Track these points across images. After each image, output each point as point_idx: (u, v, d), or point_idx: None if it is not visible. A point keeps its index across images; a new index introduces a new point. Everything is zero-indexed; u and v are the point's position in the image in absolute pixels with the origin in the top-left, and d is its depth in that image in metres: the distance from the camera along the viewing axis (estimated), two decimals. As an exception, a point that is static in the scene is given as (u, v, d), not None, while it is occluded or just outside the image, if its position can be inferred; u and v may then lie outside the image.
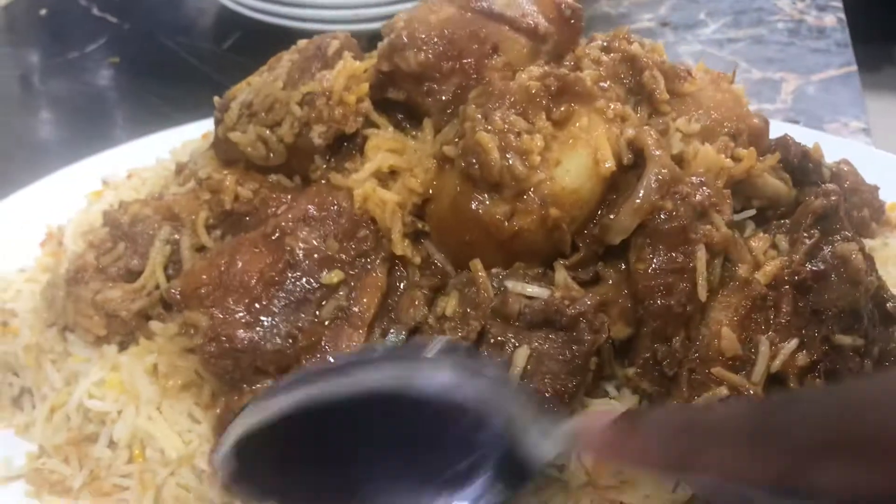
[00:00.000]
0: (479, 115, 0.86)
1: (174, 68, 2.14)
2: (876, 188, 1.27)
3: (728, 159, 0.96)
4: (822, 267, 0.93)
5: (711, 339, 0.87)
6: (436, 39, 0.96)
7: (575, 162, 0.86)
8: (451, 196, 0.87)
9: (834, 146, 1.34)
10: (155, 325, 0.93)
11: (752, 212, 1.02)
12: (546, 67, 0.91)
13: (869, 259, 0.98)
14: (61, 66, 2.23)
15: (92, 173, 1.34)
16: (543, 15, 1.04)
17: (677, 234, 0.86)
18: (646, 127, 0.91)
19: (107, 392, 0.91)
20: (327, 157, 0.98)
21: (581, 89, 0.88)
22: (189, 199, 0.99)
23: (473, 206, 0.85)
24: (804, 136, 1.26)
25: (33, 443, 0.96)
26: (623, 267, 0.89)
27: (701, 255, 0.86)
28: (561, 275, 0.85)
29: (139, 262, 0.95)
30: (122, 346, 0.95)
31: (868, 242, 1.17)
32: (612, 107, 0.91)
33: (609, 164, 0.86)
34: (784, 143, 1.09)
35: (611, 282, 0.89)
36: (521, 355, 0.79)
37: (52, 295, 0.98)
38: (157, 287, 0.94)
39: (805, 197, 1.06)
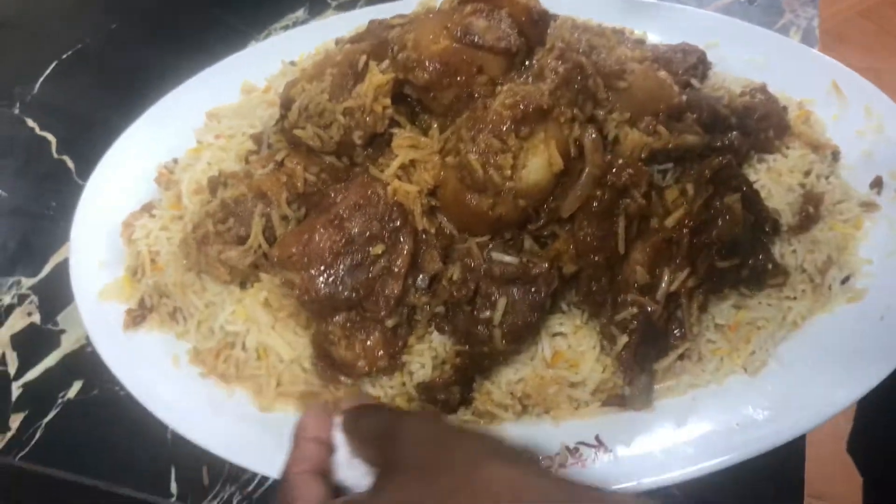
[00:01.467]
0: (469, 138, 1.26)
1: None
2: (785, 109, 1.63)
3: (650, 137, 1.36)
4: (712, 213, 1.36)
5: (629, 274, 1.32)
6: (437, 64, 1.33)
7: (535, 165, 1.27)
8: (453, 191, 1.29)
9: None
10: (263, 276, 1.40)
11: (670, 165, 1.42)
12: (517, 93, 1.28)
13: (750, 199, 1.39)
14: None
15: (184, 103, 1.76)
16: (516, 19, 1.39)
17: (604, 213, 1.29)
18: (589, 127, 1.30)
19: (237, 318, 1.41)
20: (366, 148, 1.40)
21: (537, 111, 1.26)
22: (272, 180, 1.41)
23: (469, 201, 1.28)
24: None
25: (189, 344, 1.47)
26: (568, 228, 1.33)
27: (620, 225, 1.29)
28: (527, 242, 1.29)
29: (245, 230, 1.40)
30: (241, 286, 1.44)
31: (767, 157, 1.57)
32: (563, 111, 1.30)
33: (558, 165, 1.27)
34: (698, 104, 1.46)
35: (561, 238, 1.33)
36: (502, 302, 1.26)
37: (187, 250, 1.44)
38: (260, 247, 1.40)
39: (716, 142, 1.46)
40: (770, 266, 1.41)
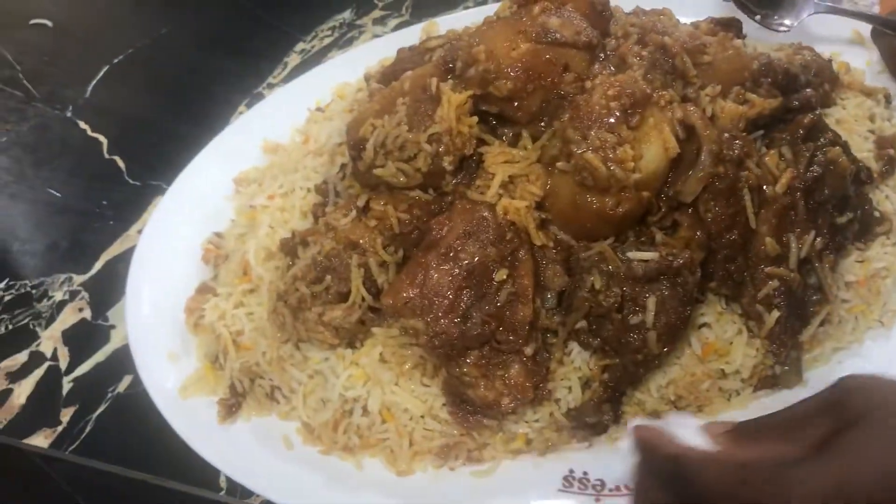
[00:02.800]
0: (579, 137, 1.19)
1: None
2: (830, 61, 1.62)
3: (743, 106, 1.31)
4: (819, 171, 1.31)
5: (759, 247, 1.26)
6: (519, 70, 1.25)
7: (652, 152, 1.20)
8: (570, 197, 1.21)
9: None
10: (375, 330, 1.28)
11: (761, 132, 1.38)
12: (615, 84, 1.21)
13: (846, 150, 1.36)
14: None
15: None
16: (581, 13, 1.33)
17: (729, 189, 1.23)
18: (690, 107, 1.25)
19: (355, 381, 1.29)
20: (456, 174, 1.31)
21: (643, 97, 1.20)
22: (359, 228, 1.31)
23: (590, 204, 1.20)
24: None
25: (296, 422, 1.34)
26: (690, 212, 1.27)
27: (747, 198, 1.23)
28: (659, 236, 1.22)
29: (344, 285, 1.29)
30: (349, 346, 1.32)
31: (831, 111, 1.55)
32: (662, 94, 1.24)
33: (674, 149, 1.21)
34: (771, 68, 1.42)
35: (686, 224, 1.26)
36: (652, 302, 1.18)
37: (280, 321, 1.32)
38: (364, 300, 1.29)
39: (791, 102, 1.43)
40: (876, 214, 1.38)
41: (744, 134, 1.28)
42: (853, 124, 1.53)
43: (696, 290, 1.22)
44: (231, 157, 1.74)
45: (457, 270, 1.21)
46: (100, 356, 1.62)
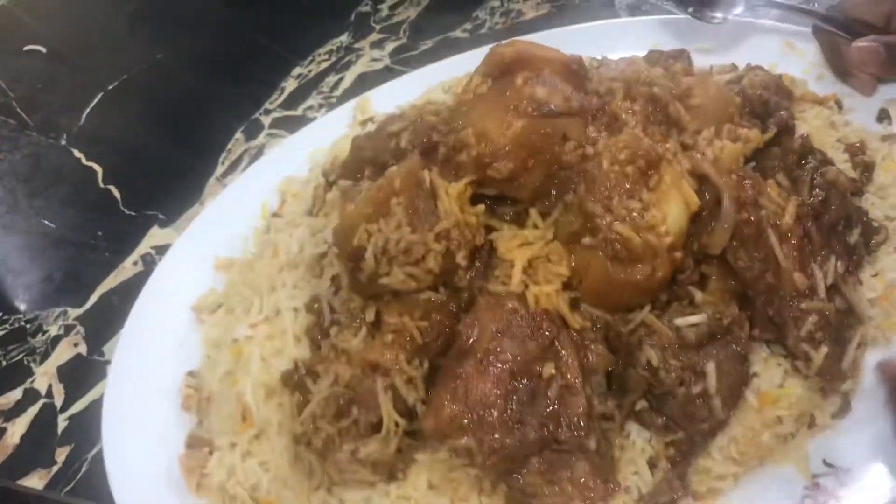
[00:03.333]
0: (601, 209, 1.12)
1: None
2: (780, 77, 1.62)
3: (738, 143, 1.28)
4: (822, 194, 1.30)
5: (788, 284, 1.22)
6: (518, 148, 1.17)
7: (675, 211, 1.14)
8: (602, 273, 1.14)
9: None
10: (418, 456, 1.16)
11: (753, 164, 1.36)
12: (622, 146, 1.15)
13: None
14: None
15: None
16: (560, 76, 1.26)
17: (756, 233, 1.18)
18: (697, 155, 1.20)
19: (407, 517, 1.16)
20: (469, 269, 1.21)
21: (656, 156, 1.14)
22: (376, 346, 1.19)
23: (626, 276, 1.13)
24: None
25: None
26: (716, 262, 1.22)
27: (773, 239, 1.19)
28: (699, 296, 1.16)
29: (373, 413, 1.16)
30: (390, 479, 1.19)
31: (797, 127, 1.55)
32: (667, 147, 1.19)
33: (695, 203, 1.15)
34: (747, 98, 1.40)
35: (715, 276, 1.21)
36: (711, 367, 1.11)
37: (308, 467, 1.17)
38: (398, 426, 1.16)
39: (768, 127, 1.41)
40: (875, 225, 1.38)
41: (750, 171, 1.24)
42: (822, 136, 1.53)
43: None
44: (183, 280, 1.57)
45: (500, 375, 1.11)
46: (95, 392, 1.57)
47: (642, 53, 1.68)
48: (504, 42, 1.31)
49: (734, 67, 1.68)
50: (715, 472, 1.19)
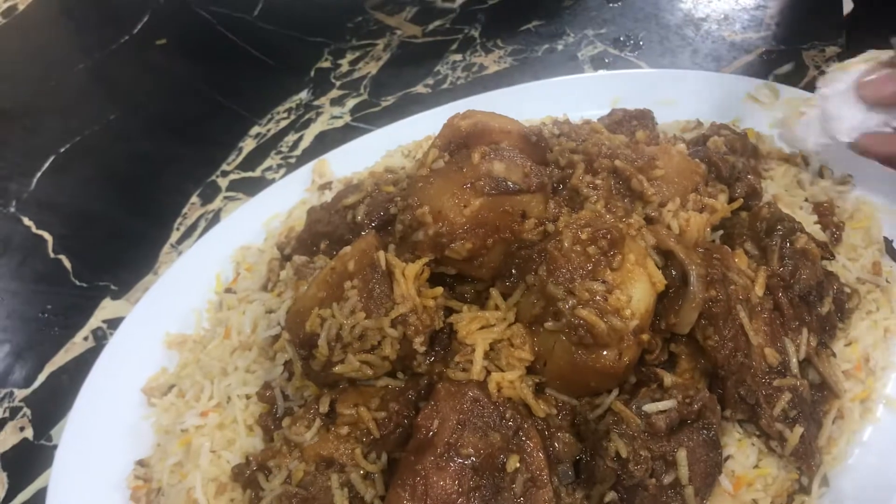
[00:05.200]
0: (563, 293, 1.07)
1: (214, 45, 2.40)
2: (745, 135, 1.60)
3: (704, 214, 1.24)
4: (792, 263, 1.26)
5: (759, 360, 1.18)
6: (476, 228, 1.12)
7: (640, 291, 1.10)
8: (566, 358, 1.09)
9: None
10: (380, 557, 1.09)
11: (720, 232, 1.32)
12: (581, 224, 1.10)
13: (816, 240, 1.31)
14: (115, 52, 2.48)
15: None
16: (517, 148, 1.22)
17: (725, 311, 1.14)
18: (662, 231, 1.16)
19: None
20: (428, 354, 1.15)
21: (619, 235, 1.10)
22: (330, 440, 1.12)
23: (592, 361, 1.07)
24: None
25: None
26: (685, 340, 1.17)
27: (742, 315, 1.15)
28: (668, 379, 1.11)
29: (330, 515, 1.09)
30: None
31: (765, 186, 1.52)
32: (630, 223, 1.15)
33: (661, 282, 1.11)
34: (712, 163, 1.37)
35: (684, 356, 1.16)
36: (682, 456, 1.06)
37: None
38: (356, 526, 1.09)
39: (735, 192, 1.37)
40: (847, 291, 1.34)
41: (716, 243, 1.20)
42: (789, 197, 1.50)
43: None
44: (133, 359, 1.50)
45: (462, 471, 1.05)
46: (41, 482, 1.49)
47: (605, 111, 1.65)
48: (461, 113, 1.26)
49: (699, 123, 1.66)
50: (691, 563, 1.13)
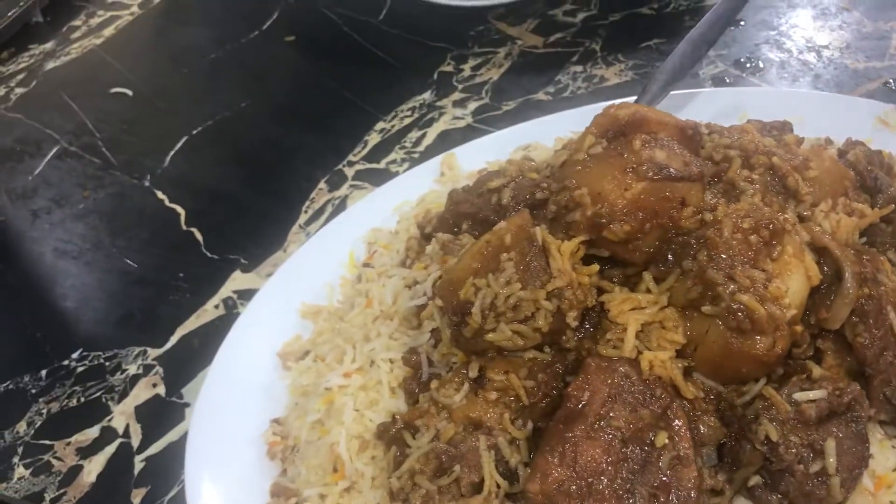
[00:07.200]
0: (724, 278, 1.09)
1: (340, 44, 2.51)
2: (880, 152, 1.60)
3: (853, 217, 1.26)
4: (938, 269, 1.26)
5: (905, 360, 1.18)
6: (635, 211, 1.16)
7: (796, 283, 1.12)
8: (721, 343, 1.11)
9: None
10: (525, 521, 1.12)
11: (864, 239, 1.33)
12: (745, 214, 1.13)
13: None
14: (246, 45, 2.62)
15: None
16: (677, 140, 1.25)
17: (877, 309, 1.15)
18: (816, 228, 1.18)
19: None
20: (578, 330, 1.18)
21: (780, 227, 1.12)
22: (479, 403, 1.16)
23: (746, 347, 1.09)
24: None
25: None
26: (832, 338, 1.18)
27: (892, 315, 1.16)
28: (817, 371, 1.12)
29: (476, 473, 1.13)
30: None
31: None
32: (786, 218, 1.17)
33: (816, 277, 1.13)
34: (858, 171, 1.38)
35: (830, 352, 1.18)
36: (831, 446, 1.07)
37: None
38: (499, 487, 1.13)
39: (879, 201, 1.38)
40: None
41: (867, 247, 1.21)
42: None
43: (866, 424, 1.12)
44: (269, 325, 1.56)
45: (611, 442, 1.08)
46: (173, 435, 1.57)
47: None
48: (616, 103, 1.31)
49: (829, 141, 1.67)
50: (825, 558, 1.13)
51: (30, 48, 2.87)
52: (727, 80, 2.16)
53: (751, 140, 1.27)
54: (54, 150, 2.40)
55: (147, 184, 2.21)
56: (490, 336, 1.17)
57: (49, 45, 2.86)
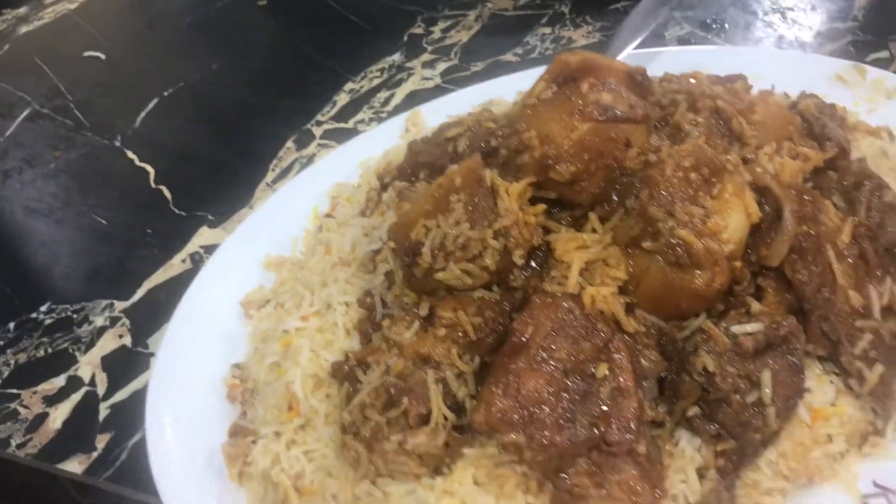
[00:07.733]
0: (663, 214, 1.12)
1: (312, 7, 2.56)
2: (834, 106, 1.63)
3: (797, 160, 1.29)
4: (879, 216, 1.29)
5: (842, 302, 1.22)
6: (581, 152, 1.18)
7: (736, 220, 1.15)
8: (661, 278, 1.14)
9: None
10: (466, 451, 1.15)
11: (809, 184, 1.36)
12: (685, 154, 1.16)
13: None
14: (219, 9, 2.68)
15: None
16: (625, 85, 1.28)
17: (815, 247, 1.18)
18: (758, 169, 1.21)
19: (452, 512, 1.15)
20: (525, 268, 1.21)
21: (720, 165, 1.15)
22: (428, 340, 1.19)
23: (685, 282, 1.13)
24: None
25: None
26: (773, 275, 1.22)
27: (831, 254, 1.19)
28: (755, 305, 1.16)
29: (423, 405, 1.16)
30: (435, 472, 1.18)
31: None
32: (728, 159, 1.20)
33: (756, 214, 1.16)
34: (805, 118, 1.41)
35: (771, 289, 1.21)
36: (767, 376, 1.10)
37: (353, 456, 1.17)
38: (446, 419, 1.16)
39: (825, 147, 1.41)
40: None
41: (809, 188, 1.24)
42: (875, 164, 1.53)
43: (801, 356, 1.16)
44: (232, 276, 1.59)
45: (553, 373, 1.11)
46: (137, 384, 1.60)
47: (696, 81, 1.70)
48: (569, 51, 1.33)
49: (786, 96, 1.70)
50: (763, 487, 1.17)
51: (3, 13, 2.88)
52: (692, 41, 2.19)
53: (697, 84, 1.29)
54: (26, 112, 2.42)
55: (118, 144, 2.24)
56: (440, 275, 1.20)
57: (22, 10, 2.87)
